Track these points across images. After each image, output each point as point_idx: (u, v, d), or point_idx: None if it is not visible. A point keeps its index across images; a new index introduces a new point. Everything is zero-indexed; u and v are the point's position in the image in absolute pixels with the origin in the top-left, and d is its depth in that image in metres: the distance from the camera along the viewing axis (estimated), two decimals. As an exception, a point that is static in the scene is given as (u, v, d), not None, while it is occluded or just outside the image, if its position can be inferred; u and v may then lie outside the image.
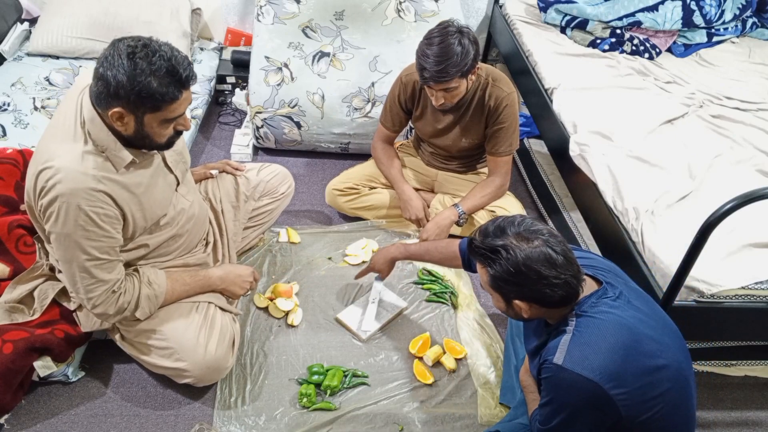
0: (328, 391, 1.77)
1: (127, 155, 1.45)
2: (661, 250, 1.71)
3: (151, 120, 1.40)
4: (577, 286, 1.25)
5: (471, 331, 2.02)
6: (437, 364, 1.91)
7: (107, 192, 1.42)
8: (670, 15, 2.78)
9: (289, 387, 1.80)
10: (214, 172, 2.03)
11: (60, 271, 1.65)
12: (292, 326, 1.97)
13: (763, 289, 1.66)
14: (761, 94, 2.56)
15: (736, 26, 3.02)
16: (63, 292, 1.70)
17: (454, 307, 2.11)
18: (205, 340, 1.64)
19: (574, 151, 2.16)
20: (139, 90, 1.32)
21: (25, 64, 2.67)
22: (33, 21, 2.89)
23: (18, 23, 2.85)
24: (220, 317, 1.72)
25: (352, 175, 2.39)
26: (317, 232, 2.37)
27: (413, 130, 2.41)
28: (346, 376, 1.82)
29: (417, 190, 2.35)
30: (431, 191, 2.43)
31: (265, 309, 2.02)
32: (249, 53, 2.77)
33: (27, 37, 2.83)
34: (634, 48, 2.77)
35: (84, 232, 1.42)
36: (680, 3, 2.80)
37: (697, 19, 2.85)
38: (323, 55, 2.65)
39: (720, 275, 1.63)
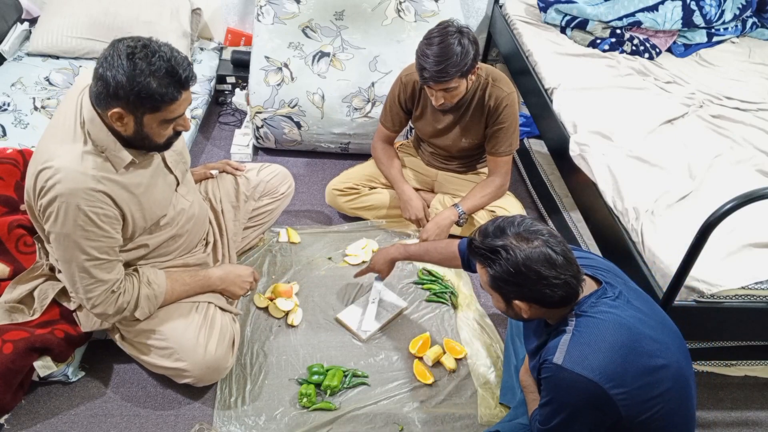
0: (328, 391, 1.77)
1: (126, 155, 1.45)
2: (661, 250, 1.71)
3: (150, 120, 1.40)
4: (576, 287, 1.25)
5: (471, 331, 2.02)
6: (437, 364, 1.91)
7: (107, 192, 1.42)
8: (670, 15, 2.77)
9: (289, 387, 1.80)
10: (214, 172, 2.03)
11: (60, 271, 1.65)
12: (292, 326, 1.97)
13: (763, 289, 1.66)
14: (761, 94, 2.56)
15: (736, 26, 3.02)
16: (63, 292, 1.70)
17: (454, 307, 2.11)
18: (205, 340, 1.64)
19: (574, 151, 2.15)
20: (138, 90, 1.32)
21: (25, 64, 2.67)
22: (33, 21, 2.89)
23: (18, 23, 2.85)
24: (220, 317, 1.72)
25: (352, 175, 2.39)
26: (317, 232, 2.37)
27: (413, 130, 2.41)
28: (346, 376, 1.82)
29: (417, 190, 2.35)
30: (431, 191, 2.42)
31: (265, 309, 2.02)
32: (249, 53, 2.77)
33: (27, 37, 2.83)
34: (634, 48, 2.77)
35: (83, 232, 1.42)
36: (680, 3, 2.80)
37: (697, 19, 2.84)
38: (323, 55, 2.65)
39: (720, 275, 1.63)
